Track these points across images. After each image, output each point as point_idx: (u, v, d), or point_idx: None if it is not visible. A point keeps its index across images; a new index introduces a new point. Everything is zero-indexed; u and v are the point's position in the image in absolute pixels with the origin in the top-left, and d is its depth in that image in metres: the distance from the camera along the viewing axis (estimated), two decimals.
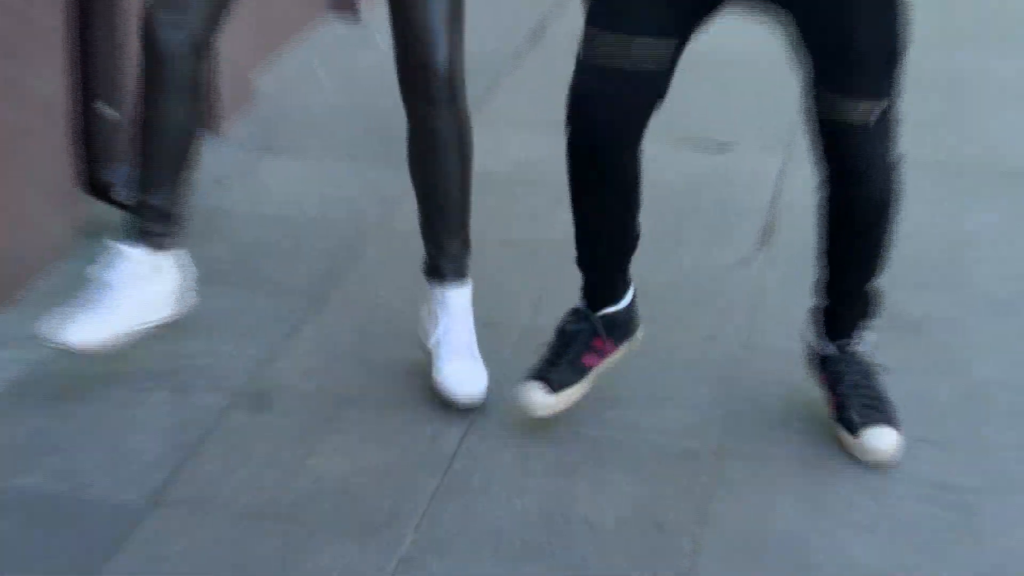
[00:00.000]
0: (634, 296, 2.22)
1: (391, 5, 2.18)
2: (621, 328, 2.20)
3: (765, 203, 3.04)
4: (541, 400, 2.10)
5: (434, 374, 2.24)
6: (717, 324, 2.54)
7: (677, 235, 2.86)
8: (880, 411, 2.11)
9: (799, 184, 2.87)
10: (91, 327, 2.13)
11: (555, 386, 2.10)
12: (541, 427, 2.15)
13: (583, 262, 2.20)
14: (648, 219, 2.21)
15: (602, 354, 2.17)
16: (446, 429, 2.18)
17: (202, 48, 2.14)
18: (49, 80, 2.62)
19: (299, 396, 2.29)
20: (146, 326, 2.20)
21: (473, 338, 2.29)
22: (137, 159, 2.25)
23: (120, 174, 2.71)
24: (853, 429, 2.09)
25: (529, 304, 2.62)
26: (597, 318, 2.18)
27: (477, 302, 2.33)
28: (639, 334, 2.24)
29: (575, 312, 2.20)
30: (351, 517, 1.97)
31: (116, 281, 2.18)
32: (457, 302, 2.30)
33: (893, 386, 2.20)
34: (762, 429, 2.21)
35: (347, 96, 3.66)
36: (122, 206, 2.60)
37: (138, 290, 2.18)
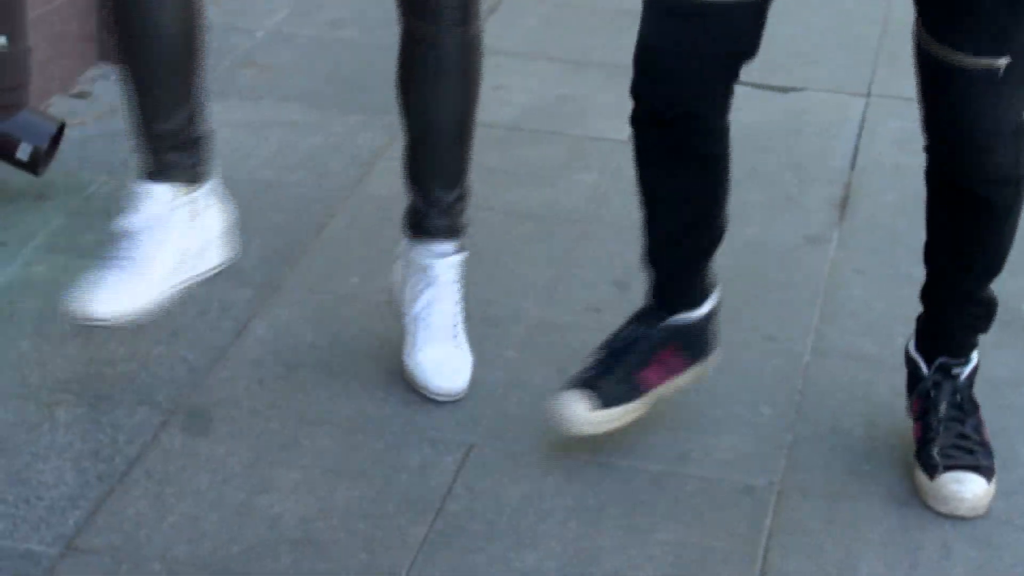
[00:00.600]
0: (716, 306, 2.24)
1: None
2: (695, 343, 2.22)
3: (843, 164, 3.07)
4: (584, 415, 2.10)
5: (405, 357, 2.29)
6: (781, 321, 2.56)
7: (734, 203, 2.84)
8: (970, 452, 2.13)
9: (885, 138, 2.88)
10: (125, 292, 2.15)
11: (604, 400, 2.10)
12: (559, 456, 2.16)
13: (652, 257, 2.21)
14: None
15: (668, 371, 2.18)
16: (437, 458, 2.18)
17: None
18: None
19: (248, 413, 2.29)
20: (192, 281, 2.24)
21: (460, 318, 2.32)
22: (125, 76, 2.24)
23: (23, 125, 2.77)
24: (931, 470, 2.12)
25: (541, 291, 2.63)
26: (667, 325, 2.19)
27: (473, 287, 2.35)
28: (713, 358, 2.25)
29: (641, 313, 2.21)
30: (315, 573, 1.97)
31: (146, 230, 2.19)
32: (445, 271, 2.32)
33: (1007, 401, 2.21)
34: (837, 460, 2.22)
35: (305, 23, 3.68)
36: (30, 167, 2.68)
37: (175, 237, 2.21)
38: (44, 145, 2.77)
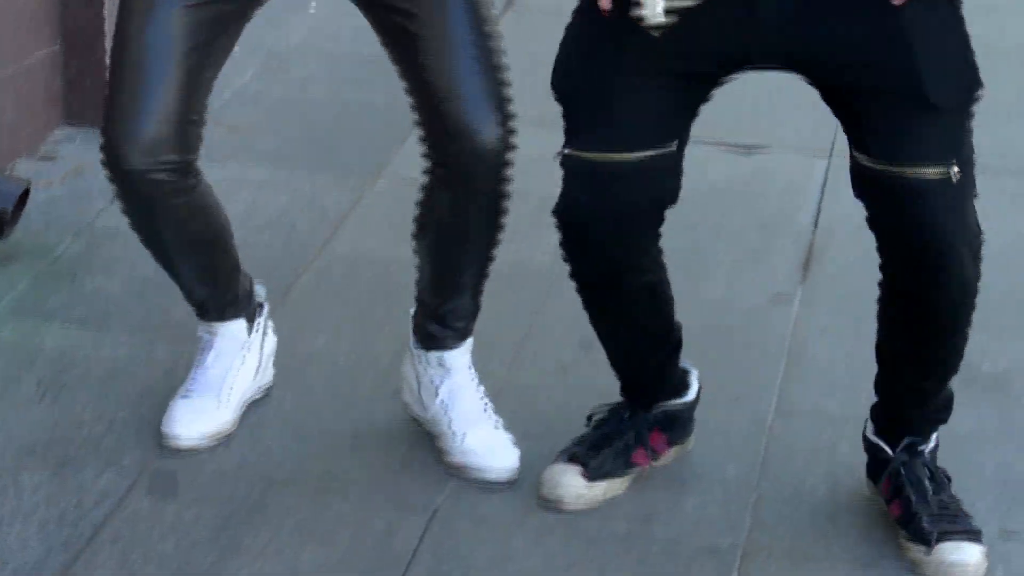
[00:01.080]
0: (700, 389, 2.31)
1: (394, 49, 2.15)
2: (680, 426, 2.31)
3: (806, 222, 3.09)
4: (576, 487, 2.17)
5: (447, 450, 2.28)
6: (746, 380, 2.57)
7: (699, 263, 2.88)
8: (957, 519, 2.15)
9: (848, 197, 2.87)
10: (208, 419, 2.34)
11: (594, 474, 2.18)
12: (525, 518, 2.16)
13: (616, 367, 2.28)
14: (664, 240, 2.19)
15: (654, 452, 2.27)
16: (403, 520, 2.18)
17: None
18: None
19: (215, 476, 2.29)
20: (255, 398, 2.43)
21: (486, 397, 2.32)
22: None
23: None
24: (926, 542, 2.12)
25: (507, 350, 2.64)
26: (654, 412, 2.27)
27: None
28: (692, 439, 2.34)
29: (614, 411, 2.27)
30: None
31: (221, 361, 2.39)
32: (460, 358, 2.33)
33: (969, 459, 2.23)
34: (802, 520, 2.23)
35: (273, 82, 3.69)
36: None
37: (248, 363, 2.41)
38: (9, 207, 2.77)
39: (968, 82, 1.93)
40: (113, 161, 2.10)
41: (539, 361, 2.40)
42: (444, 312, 2.29)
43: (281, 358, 2.56)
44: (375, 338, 2.66)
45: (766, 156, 3.36)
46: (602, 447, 2.22)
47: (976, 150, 1.98)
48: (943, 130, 1.91)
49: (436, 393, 2.30)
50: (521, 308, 2.73)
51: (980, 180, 2.01)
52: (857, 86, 1.91)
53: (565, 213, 2.06)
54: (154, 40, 2.05)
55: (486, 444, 2.27)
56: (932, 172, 1.90)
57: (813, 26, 1.87)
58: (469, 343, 2.35)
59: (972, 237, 1.99)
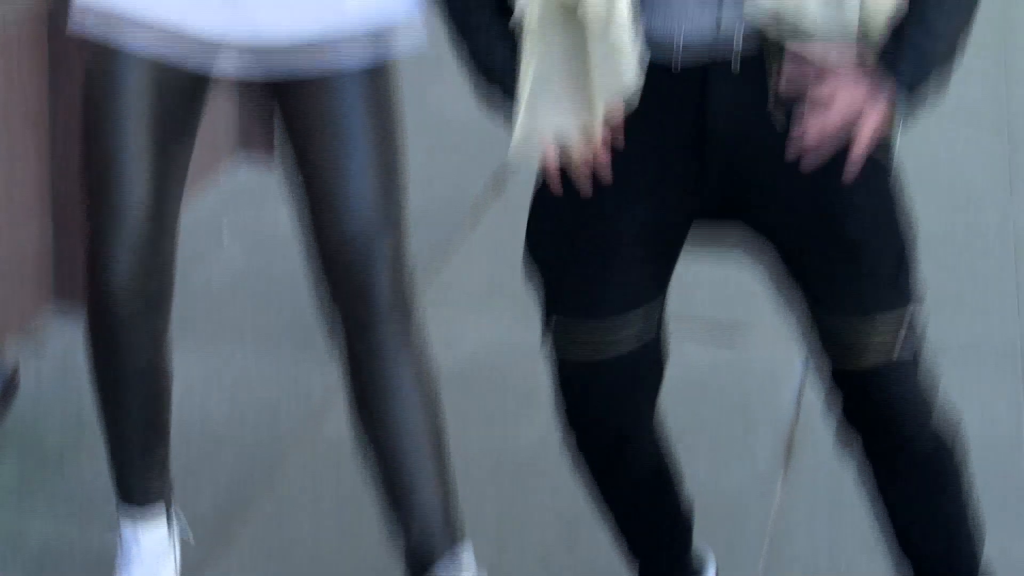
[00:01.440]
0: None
1: (297, 159, 2.18)
2: None
3: (788, 404, 3.14)
4: None
5: None
6: (728, 569, 2.57)
7: (680, 445, 2.92)
8: None
9: None
10: None
11: None
12: None
13: (632, 556, 2.30)
14: None
15: None
16: None
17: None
18: None
19: None
20: None
21: None
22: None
23: None
24: None
25: (489, 538, 2.63)
26: None
27: None
28: None
29: None
30: None
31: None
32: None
33: None
34: None
35: (258, 263, 3.76)
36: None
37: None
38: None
39: (904, 237, 2.01)
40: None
41: (520, 549, 2.41)
42: (415, 525, 2.26)
43: (265, 544, 2.58)
44: (361, 524, 2.69)
45: (746, 341, 3.43)
46: None
47: None
48: (884, 282, 2.00)
49: None
50: (501, 496, 2.76)
51: None
52: (798, 244, 2.00)
53: (563, 398, 2.11)
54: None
55: None
56: (875, 347, 1.98)
57: (759, 182, 1.97)
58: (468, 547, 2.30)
59: (930, 400, 2.07)
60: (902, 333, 1.98)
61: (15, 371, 2.94)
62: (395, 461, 2.22)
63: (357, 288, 2.13)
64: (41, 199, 3.52)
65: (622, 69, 1.83)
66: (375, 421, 2.22)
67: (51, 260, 3.56)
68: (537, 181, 2.04)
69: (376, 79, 2.12)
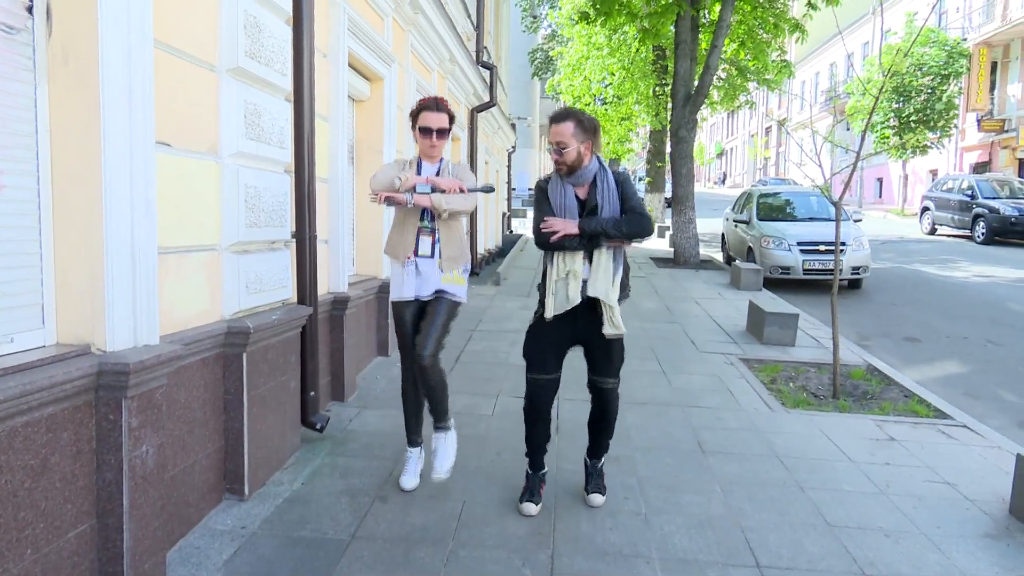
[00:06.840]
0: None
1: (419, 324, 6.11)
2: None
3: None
4: None
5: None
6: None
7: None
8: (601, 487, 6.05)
9: None
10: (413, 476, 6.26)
11: None
12: None
13: (529, 452, 6.10)
14: None
15: None
16: None
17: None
18: (288, 387, 6.38)
19: None
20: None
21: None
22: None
23: (320, 418, 6.80)
24: (588, 493, 5.89)
25: (460, 433, 4.96)
26: None
27: None
28: None
29: None
30: None
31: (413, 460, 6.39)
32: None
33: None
34: None
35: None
36: (318, 430, 6.81)
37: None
38: None
39: (622, 354, 5.82)
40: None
41: None
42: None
43: None
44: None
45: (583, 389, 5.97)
46: None
47: None
48: (614, 366, 5.85)
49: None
50: None
51: None
52: (592, 347, 5.80)
53: (530, 397, 5.75)
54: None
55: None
56: (611, 383, 5.83)
57: (588, 329, 5.75)
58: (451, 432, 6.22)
59: (616, 399, 5.93)
60: (614, 381, 5.88)
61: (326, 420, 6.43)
62: (429, 396, 6.10)
63: (421, 362, 5.99)
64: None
65: (572, 298, 5.66)
66: (422, 386, 6.15)
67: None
68: (533, 318, 5.79)
69: (451, 302, 6.09)
